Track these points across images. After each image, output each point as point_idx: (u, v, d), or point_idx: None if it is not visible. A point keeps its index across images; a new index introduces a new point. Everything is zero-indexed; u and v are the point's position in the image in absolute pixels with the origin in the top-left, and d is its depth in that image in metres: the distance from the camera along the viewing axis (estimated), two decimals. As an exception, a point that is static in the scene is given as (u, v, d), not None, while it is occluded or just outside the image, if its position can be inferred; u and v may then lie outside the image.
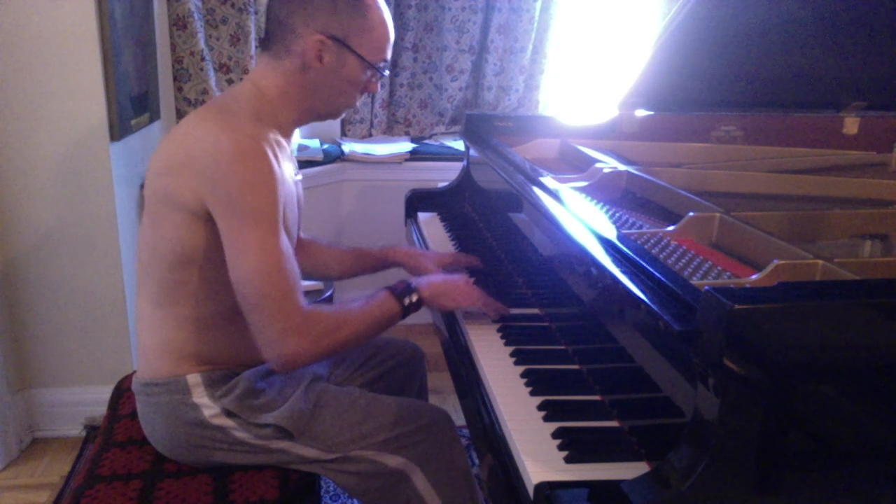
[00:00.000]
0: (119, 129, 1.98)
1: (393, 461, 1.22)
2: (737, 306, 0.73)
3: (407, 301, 1.26)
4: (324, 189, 2.84)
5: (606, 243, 1.08)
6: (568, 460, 0.94)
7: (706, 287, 0.78)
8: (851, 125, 1.84)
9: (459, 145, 2.94)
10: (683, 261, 1.12)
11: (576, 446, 0.96)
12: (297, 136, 2.84)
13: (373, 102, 3.06)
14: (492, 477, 1.04)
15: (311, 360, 1.16)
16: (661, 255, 1.13)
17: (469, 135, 2.02)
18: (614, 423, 1.03)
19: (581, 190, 1.50)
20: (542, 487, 0.88)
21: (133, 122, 2.10)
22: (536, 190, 1.40)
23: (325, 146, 2.89)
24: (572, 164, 1.85)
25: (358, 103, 1.33)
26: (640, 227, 1.31)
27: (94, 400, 2.11)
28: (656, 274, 0.94)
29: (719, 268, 1.08)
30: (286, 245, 1.14)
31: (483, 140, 1.94)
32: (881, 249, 1.30)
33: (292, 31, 1.20)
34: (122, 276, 2.08)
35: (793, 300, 0.77)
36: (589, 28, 3.12)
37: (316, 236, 1.63)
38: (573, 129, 2.00)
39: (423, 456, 1.23)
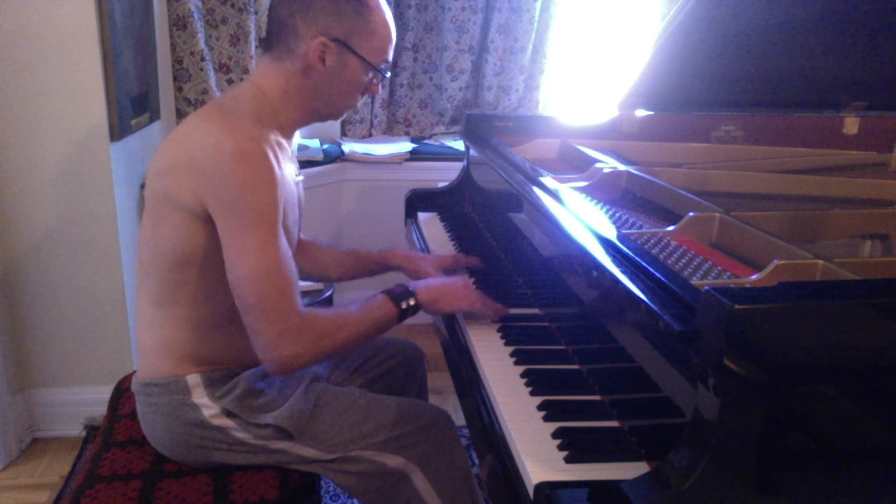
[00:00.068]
0: (119, 129, 1.98)
1: (393, 461, 1.22)
2: (737, 306, 0.73)
3: (404, 305, 1.26)
4: (324, 189, 2.84)
5: (606, 243, 1.08)
6: (568, 460, 0.94)
7: (706, 287, 0.78)
8: (851, 125, 1.84)
9: (459, 145, 2.94)
10: (683, 261, 1.12)
11: (576, 446, 0.96)
12: (298, 136, 2.84)
13: (373, 102, 3.06)
14: (492, 477, 1.04)
15: (307, 363, 1.16)
16: (661, 255, 1.13)
17: (469, 135, 2.02)
18: (614, 423, 1.03)
19: (581, 190, 1.50)
20: (542, 487, 0.88)
21: (133, 122, 2.10)
22: (536, 190, 1.40)
23: (325, 146, 2.89)
24: (572, 164, 1.85)
25: (359, 104, 1.33)
26: (640, 227, 1.31)
27: (94, 400, 2.11)
28: (656, 274, 0.94)
29: (719, 268, 1.08)
30: (285, 247, 1.14)
31: (483, 140, 1.94)
32: (881, 249, 1.30)
33: (294, 33, 1.20)
34: (122, 276, 2.08)
35: (793, 300, 0.77)
36: (589, 28, 3.12)
37: (316, 237, 1.63)
38: (573, 129, 2.00)
39: (423, 456, 1.23)
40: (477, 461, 1.34)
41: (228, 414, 1.23)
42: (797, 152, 1.83)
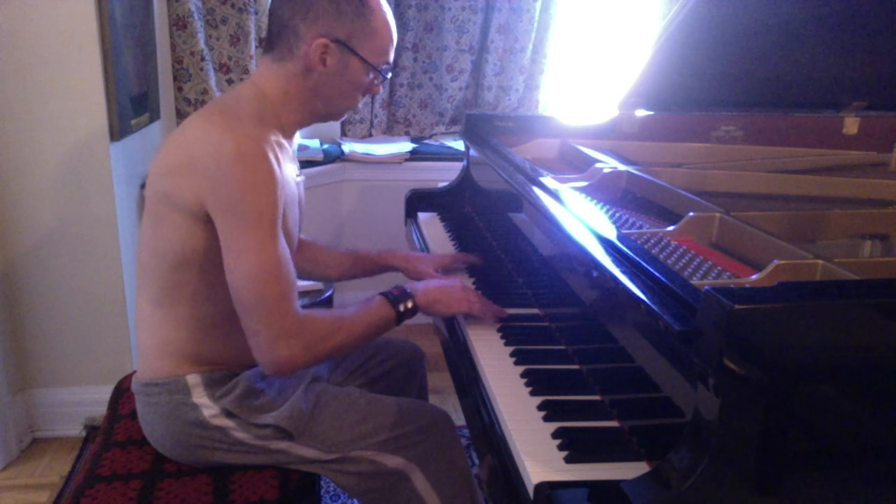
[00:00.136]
0: (119, 129, 1.98)
1: (393, 461, 1.22)
2: (737, 306, 0.73)
3: (402, 307, 1.26)
4: (324, 189, 2.84)
5: (606, 243, 1.08)
6: (568, 460, 0.94)
7: (706, 287, 0.78)
8: (851, 125, 1.84)
9: (459, 145, 2.93)
10: (683, 261, 1.12)
11: (576, 446, 0.96)
12: (298, 136, 2.84)
13: (373, 102, 3.06)
14: (492, 477, 1.04)
15: (304, 366, 1.16)
16: (661, 255, 1.13)
17: (469, 135, 2.02)
18: (614, 423, 1.03)
19: (581, 190, 1.50)
20: (542, 487, 0.88)
21: (133, 122, 2.10)
22: (536, 190, 1.40)
23: (325, 146, 2.89)
24: (572, 164, 1.85)
25: (360, 105, 1.33)
26: (640, 227, 1.31)
27: (94, 400, 2.12)
28: (656, 274, 0.94)
29: (719, 268, 1.08)
30: (284, 249, 1.14)
31: (483, 140, 1.94)
32: (881, 249, 1.30)
33: (295, 34, 1.20)
34: (122, 275, 2.08)
35: (793, 300, 0.77)
36: (589, 28, 3.12)
37: (315, 237, 1.63)
38: (573, 129, 2.00)
39: (422, 456, 1.23)
40: (477, 461, 1.34)
41: (228, 414, 1.23)
42: (797, 152, 1.83)
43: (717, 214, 1.25)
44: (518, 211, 1.58)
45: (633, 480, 0.82)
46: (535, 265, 1.47)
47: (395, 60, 3.07)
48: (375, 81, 1.28)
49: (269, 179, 1.11)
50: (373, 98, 3.03)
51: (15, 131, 1.92)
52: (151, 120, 2.29)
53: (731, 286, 0.86)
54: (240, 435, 1.23)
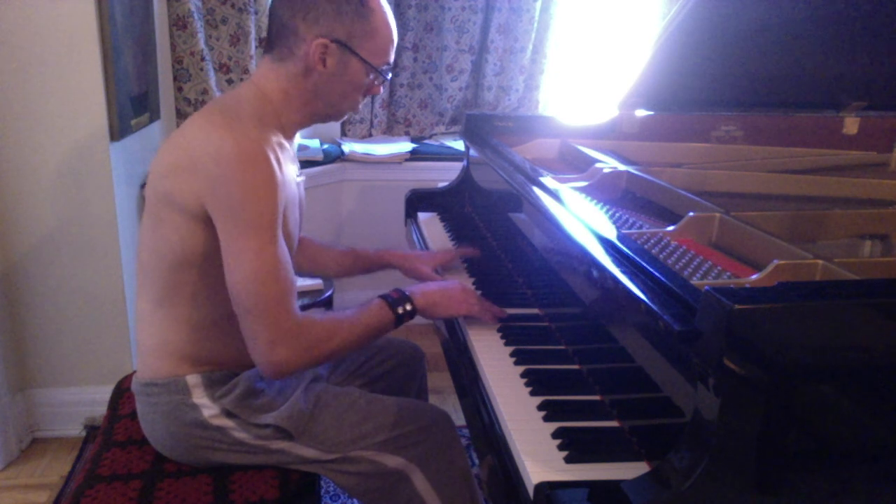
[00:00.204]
0: (119, 129, 1.98)
1: (392, 461, 1.22)
2: (737, 306, 0.73)
3: (401, 310, 1.26)
4: (324, 189, 2.84)
5: (606, 243, 1.08)
6: (568, 460, 0.94)
7: (706, 287, 0.78)
8: (851, 125, 1.84)
9: (459, 145, 2.93)
10: (683, 261, 1.12)
11: (576, 446, 0.96)
12: (298, 136, 2.84)
13: (373, 102, 3.06)
14: (492, 477, 1.04)
15: (302, 369, 1.16)
16: (661, 255, 1.13)
17: (469, 135, 2.02)
18: (614, 423, 1.03)
19: (581, 190, 1.50)
20: (542, 487, 0.88)
21: (133, 122, 2.10)
22: (536, 190, 1.40)
23: (325, 146, 2.89)
24: (572, 164, 1.85)
25: (360, 105, 1.32)
26: (640, 227, 1.31)
27: (94, 400, 2.12)
28: (656, 274, 0.94)
29: (719, 268, 1.08)
30: (283, 252, 1.13)
31: (483, 140, 1.94)
32: (881, 249, 1.30)
33: (295, 34, 1.19)
34: (122, 275, 2.08)
35: (793, 300, 0.77)
36: (589, 28, 3.11)
37: (313, 236, 1.63)
38: (573, 129, 2.00)
39: (422, 456, 1.23)
40: (477, 461, 1.34)
41: (228, 414, 1.23)
42: (797, 152, 1.83)
43: (717, 214, 1.25)
44: (518, 211, 1.58)
45: (633, 480, 0.82)
46: (535, 265, 1.47)
47: (395, 60, 3.07)
48: (376, 82, 1.28)
49: (269, 181, 1.11)
50: (373, 98, 3.03)
51: (15, 131, 1.92)
52: (151, 120, 2.29)
53: (731, 286, 0.86)
54: (240, 435, 1.23)
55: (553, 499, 0.86)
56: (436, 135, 3.21)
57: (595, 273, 1.09)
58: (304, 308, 2.18)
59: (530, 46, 3.08)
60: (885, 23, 1.50)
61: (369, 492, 1.25)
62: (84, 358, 2.14)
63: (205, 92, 2.49)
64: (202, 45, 2.45)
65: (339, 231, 2.99)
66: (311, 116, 1.28)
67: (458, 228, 1.97)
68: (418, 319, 1.31)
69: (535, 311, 1.41)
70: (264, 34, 2.61)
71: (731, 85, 1.70)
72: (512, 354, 1.24)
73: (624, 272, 0.98)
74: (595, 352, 1.17)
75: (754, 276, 1.01)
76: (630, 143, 1.87)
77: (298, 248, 1.45)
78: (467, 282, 1.57)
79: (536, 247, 1.45)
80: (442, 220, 2.07)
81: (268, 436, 1.23)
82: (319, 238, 1.65)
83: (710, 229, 1.25)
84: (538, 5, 3.01)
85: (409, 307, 1.27)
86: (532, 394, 1.12)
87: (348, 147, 2.90)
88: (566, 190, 1.37)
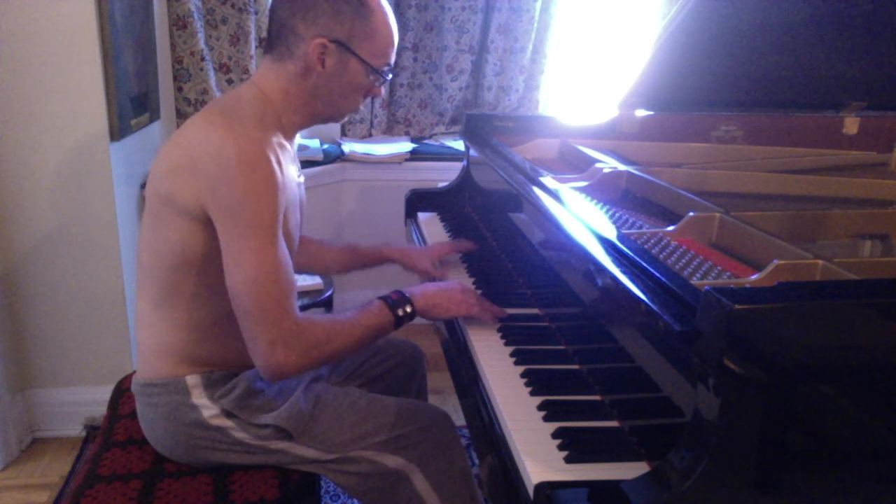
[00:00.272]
0: (119, 129, 1.98)
1: (392, 461, 1.22)
2: (737, 306, 0.73)
3: (401, 312, 1.26)
4: (324, 189, 2.84)
5: (606, 243, 1.08)
6: (568, 460, 0.94)
7: (706, 287, 0.78)
8: (851, 125, 1.84)
9: (459, 145, 2.93)
10: (683, 261, 1.12)
11: (576, 446, 0.96)
12: (298, 136, 2.84)
13: (373, 102, 3.06)
14: (492, 477, 1.04)
15: (303, 370, 1.16)
16: (661, 255, 1.13)
17: (469, 135, 2.02)
18: (614, 423, 1.03)
19: (581, 190, 1.50)
20: (542, 487, 0.88)
21: (133, 122, 2.10)
22: (536, 190, 1.40)
23: (325, 146, 2.89)
24: (572, 164, 1.85)
25: (361, 106, 1.32)
26: (640, 227, 1.31)
27: (94, 400, 2.12)
28: (656, 274, 0.94)
29: (719, 268, 1.08)
30: (283, 253, 1.13)
31: (483, 140, 1.94)
32: (881, 249, 1.30)
33: (294, 34, 1.19)
34: (122, 275, 2.08)
35: (793, 300, 0.77)
36: (589, 28, 3.11)
37: (312, 234, 1.63)
38: (573, 129, 2.00)
39: (422, 456, 1.23)
40: (477, 461, 1.34)
41: (228, 414, 1.23)
42: (797, 152, 1.83)
43: (717, 214, 1.25)
44: (518, 211, 1.58)
45: (633, 480, 0.82)
46: (535, 265, 1.47)
47: (395, 60, 3.07)
48: (376, 83, 1.27)
49: (269, 182, 1.11)
50: (372, 98, 3.02)
51: (15, 131, 1.92)
52: (151, 120, 2.29)
53: (731, 286, 0.86)
54: (239, 435, 1.23)
55: (553, 499, 0.86)
56: (436, 135, 3.21)
57: (595, 273, 1.09)
58: (303, 308, 2.18)
59: (530, 46, 3.08)
60: (885, 23, 1.50)
61: (369, 492, 1.25)
62: (84, 358, 2.14)
63: (205, 92, 2.49)
64: (202, 45, 2.45)
65: (339, 231, 2.99)
66: (311, 117, 1.28)
67: (458, 228, 1.97)
68: (418, 319, 1.31)
69: (535, 311, 1.41)
70: (264, 34, 2.61)
71: (731, 85, 1.70)
72: (512, 354, 1.24)
73: (624, 272, 0.98)
74: (595, 352, 1.16)
75: (754, 276, 1.01)
76: (630, 143, 1.87)
77: (297, 246, 1.45)
78: (467, 282, 1.57)
79: (536, 247, 1.45)
80: (442, 220, 2.07)
81: (267, 436, 1.23)
82: (316, 235, 1.65)
83: (710, 229, 1.25)
84: (538, 5, 3.01)
85: (409, 309, 1.27)
86: (532, 394, 1.12)
87: (348, 147, 2.90)
88: (566, 190, 1.37)
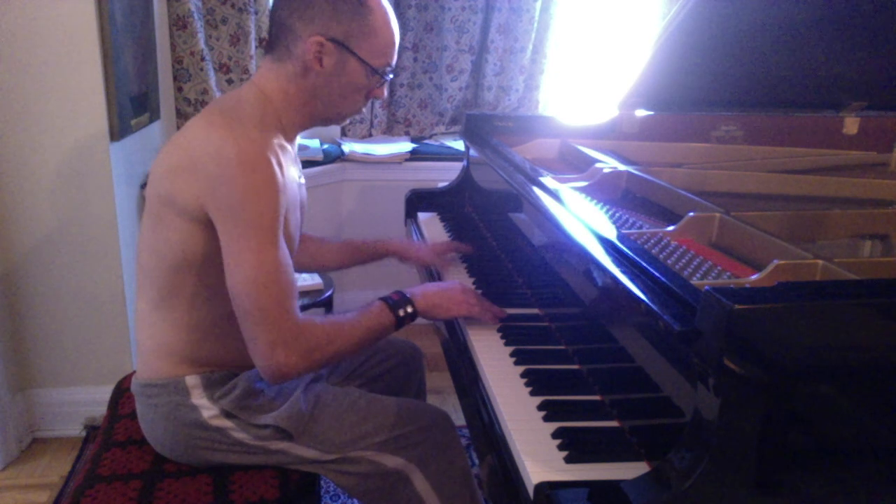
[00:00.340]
0: (119, 129, 1.98)
1: (392, 462, 1.22)
2: (737, 306, 0.73)
3: (402, 312, 1.26)
4: (324, 189, 2.84)
5: (606, 243, 1.08)
6: (568, 460, 0.94)
7: (706, 287, 0.78)
8: (851, 125, 1.84)
9: (459, 145, 2.93)
10: (683, 261, 1.12)
11: (576, 446, 0.96)
12: (298, 137, 2.84)
13: (372, 102, 3.05)
14: (492, 477, 1.04)
15: (303, 372, 1.16)
16: (661, 255, 1.13)
17: (469, 135, 2.02)
18: (614, 423, 1.03)
19: (581, 190, 1.50)
20: (542, 487, 0.88)
21: (133, 122, 2.10)
22: (536, 190, 1.40)
23: (325, 146, 2.89)
24: (572, 164, 1.85)
25: (363, 109, 1.31)
26: (640, 227, 1.31)
27: (94, 400, 2.12)
28: (656, 274, 0.94)
29: (719, 268, 1.08)
30: (284, 255, 1.13)
31: (483, 140, 1.94)
32: (881, 249, 1.30)
33: (293, 33, 1.19)
34: (121, 275, 2.08)
35: (793, 300, 0.77)
36: (589, 28, 3.11)
37: (311, 232, 1.63)
38: (573, 129, 2.00)
39: (422, 456, 1.23)
40: (477, 461, 1.34)
41: (227, 415, 1.23)
42: (797, 152, 1.83)
43: (717, 214, 1.25)
44: (518, 211, 1.58)
45: (633, 480, 0.82)
46: (535, 265, 1.47)
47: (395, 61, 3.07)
48: (376, 84, 1.26)
49: (269, 183, 1.11)
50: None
51: (15, 131, 1.92)
52: (151, 120, 2.29)
53: (731, 286, 0.86)
54: (239, 435, 1.23)
55: (553, 499, 0.86)
56: (436, 135, 3.21)
57: (595, 273, 1.09)
58: (304, 308, 2.18)
59: (530, 46, 3.08)
60: (885, 23, 1.50)
61: (369, 492, 1.25)
62: (84, 358, 2.14)
63: (205, 92, 2.49)
64: (202, 45, 2.45)
65: (339, 231, 2.99)
66: (312, 117, 1.27)
67: (458, 228, 1.97)
68: (418, 319, 1.31)
69: (535, 311, 1.41)
70: (264, 34, 2.61)
71: (731, 85, 1.70)
72: (512, 354, 1.24)
73: (624, 272, 0.98)
74: (595, 352, 1.16)
75: (754, 276, 1.01)
76: (630, 143, 1.87)
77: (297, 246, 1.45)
78: (467, 282, 1.57)
79: (536, 247, 1.45)
80: (442, 220, 2.07)
81: (267, 436, 1.23)
82: (315, 233, 1.65)
83: (710, 229, 1.25)
84: (538, 5, 3.01)
85: (409, 309, 1.27)
86: (532, 394, 1.12)
87: (348, 147, 2.90)
88: (566, 190, 1.37)
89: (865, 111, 1.81)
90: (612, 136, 1.91)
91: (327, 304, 2.32)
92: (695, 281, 1.01)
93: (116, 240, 2.05)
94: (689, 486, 0.76)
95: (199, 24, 2.44)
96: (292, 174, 1.25)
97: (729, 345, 0.74)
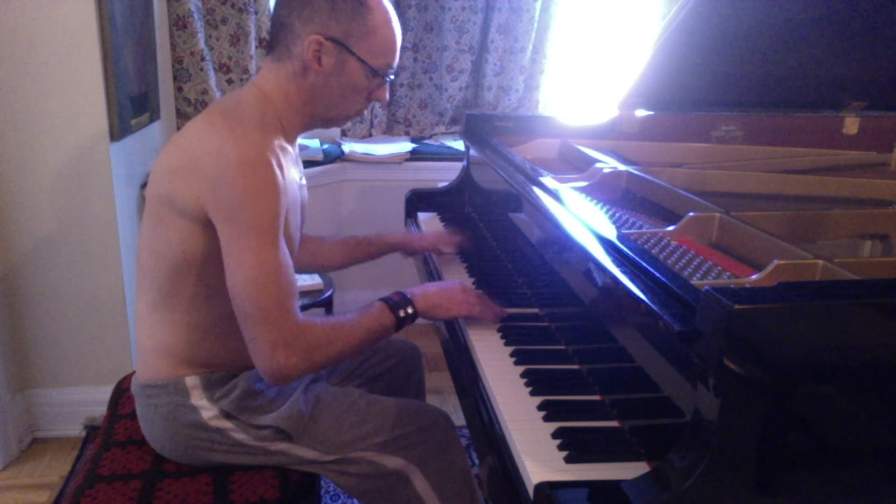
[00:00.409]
0: (119, 129, 1.98)
1: (392, 462, 1.22)
2: (737, 306, 0.73)
3: (402, 313, 1.26)
4: (324, 189, 2.84)
5: (606, 243, 1.08)
6: (568, 460, 0.94)
7: (706, 287, 0.78)
8: (851, 125, 1.84)
9: (459, 145, 2.94)
10: (683, 261, 1.12)
11: (576, 446, 0.96)
12: (298, 137, 2.84)
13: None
14: (492, 477, 1.04)
15: (303, 374, 1.15)
16: (661, 255, 1.13)
17: (469, 135, 2.02)
18: (614, 423, 1.03)
19: (581, 190, 1.50)
20: (542, 487, 0.88)
21: (133, 122, 2.10)
22: (536, 190, 1.40)
23: (325, 146, 2.89)
24: (572, 164, 1.85)
25: (364, 111, 1.31)
26: (640, 227, 1.31)
27: (94, 400, 2.12)
28: (656, 274, 0.94)
29: (719, 268, 1.08)
30: (284, 256, 1.13)
31: (483, 140, 1.94)
32: (881, 249, 1.30)
33: (292, 32, 1.19)
34: (121, 275, 2.08)
35: (793, 300, 0.77)
36: (589, 28, 3.12)
37: (310, 231, 1.63)
38: (573, 129, 2.00)
39: (422, 457, 1.23)
40: (477, 461, 1.34)
41: (227, 416, 1.22)
42: (797, 152, 1.83)
43: (717, 214, 1.25)
44: (518, 211, 1.58)
45: (633, 480, 0.82)
46: (535, 265, 1.47)
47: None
48: (377, 85, 1.26)
49: (269, 184, 1.10)
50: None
51: (15, 131, 1.92)
52: (151, 120, 2.29)
53: (731, 286, 0.86)
54: (239, 436, 1.23)
55: (553, 499, 0.86)
56: (436, 135, 3.21)
57: (595, 273, 1.09)
58: (304, 308, 2.18)
59: (530, 46, 3.08)
60: (885, 23, 1.50)
61: (369, 492, 1.25)
62: (84, 358, 2.14)
63: (205, 92, 2.49)
64: (202, 45, 2.45)
65: (339, 231, 2.99)
66: (312, 118, 1.27)
67: (458, 228, 1.96)
68: (418, 319, 1.31)
69: (535, 310, 1.41)
70: (264, 34, 2.61)
71: (731, 85, 1.70)
72: (512, 354, 1.24)
73: (624, 272, 0.98)
74: (595, 352, 1.16)
75: (754, 276, 1.01)
76: (630, 143, 1.87)
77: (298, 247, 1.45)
78: (467, 282, 1.57)
79: (536, 247, 1.45)
80: (442, 220, 2.07)
81: (267, 437, 1.23)
82: (311, 233, 1.65)
83: (710, 229, 1.25)
84: (538, 5, 3.01)
85: (410, 310, 1.27)
86: (532, 394, 1.12)
87: (348, 147, 2.90)
88: (566, 190, 1.37)
89: (865, 111, 1.81)
90: (612, 136, 1.91)
91: (327, 304, 2.31)
92: (695, 281, 1.00)
93: (116, 240, 2.05)
94: (689, 486, 0.76)
95: (199, 24, 2.44)
96: (293, 175, 1.25)
97: (729, 345, 0.74)
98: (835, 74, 1.69)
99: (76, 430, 2.19)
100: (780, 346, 0.76)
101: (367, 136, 3.12)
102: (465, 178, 2.14)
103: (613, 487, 0.82)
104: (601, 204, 1.43)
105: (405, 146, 2.96)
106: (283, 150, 1.21)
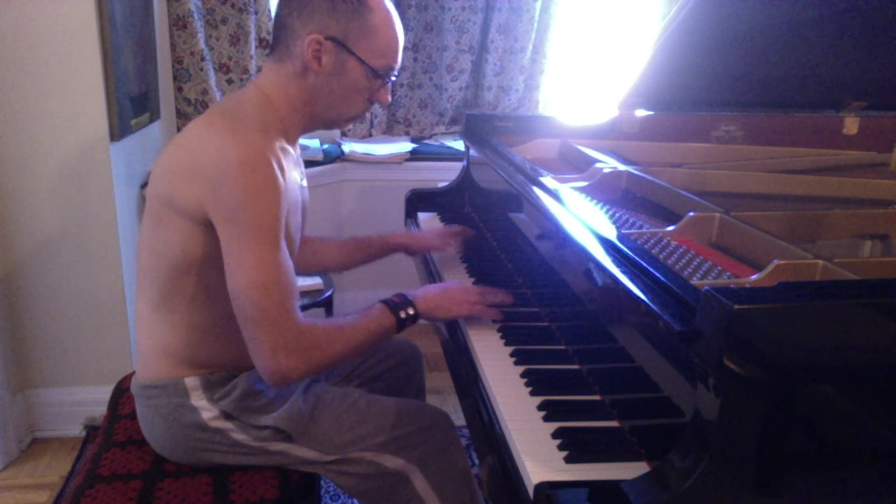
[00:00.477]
0: (119, 129, 1.98)
1: (392, 462, 1.22)
2: (737, 306, 0.73)
3: (403, 314, 1.26)
4: (324, 189, 2.84)
5: (606, 243, 1.08)
6: (568, 460, 0.94)
7: (706, 287, 0.78)
8: (851, 125, 1.84)
9: (459, 145, 2.94)
10: (683, 261, 1.12)
11: (576, 446, 0.96)
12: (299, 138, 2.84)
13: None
14: (492, 477, 1.04)
15: (304, 376, 1.15)
16: (661, 255, 1.13)
17: (469, 135, 2.02)
18: (614, 423, 1.03)
19: (581, 190, 1.50)
20: (542, 487, 0.88)
21: (133, 122, 2.10)
22: (536, 190, 1.40)
23: (325, 146, 2.89)
24: (572, 164, 1.85)
25: (365, 112, 1.30)
26: (640, 227, 1.31)
27: (94, 400, 2.12)
28: (656, 274, 0.94)
29: (719, 268, 1.08)
30: (285, 258, 1.13)
31: (483, 140, 1.94)
32: (881, 249, 1.30)
33: (292, 32, 1.19)
34: (121, 275, 2.08)
35: (793, 300, 0.77)
36: (589, 28, 3.12)
37: (311, 232, 1.63)
38: (573, 129, 2.00)
39: (422, 457, 1.23)
40: (477, 461, 1.34)
41: (227, 416, 1.22)
42: (797, 152, 1.83)
43: (717, 214, 1.25)
44: (518, 211, 1.58)
45: (633, 480, 0.82)
46: (535, 265, 1.47)
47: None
48: (377, 86, 1.25)
49: (270, 185, 1.10)
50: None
51: (15, 131, 1.92)
52: (151, 120, 2.29)
53: (731, 286, 0.86)
54: (239, 437, 1.23)
55: (553, 499, 0.86)
56: (436, 135, 3.21)
57: (595, 273, 1.09)
58: (304, 308, 2.18)
59: (530, 46, 3.08)
60: (885, 23, 1.50)
61: (369, 492, 1.25)
62: (84, 358, 2.14)
63: (205, 92, 2.49)
64: (202, 45, 2.45)
65: (339, 231, 2.99)
66: (313, 119, 1.26)
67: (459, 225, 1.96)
68: (419, 320, 1.31)
69: (535, 310, 1.41)
70: (264, 34, 2.61)
71: (731, 85, 1.70)
72: (512, 354, 1.24)
73: (624, 272, 0.98)
74: (595, 352, 1.16)
75: (754, 276, 1.01)
76: (630, 143, 1.87)
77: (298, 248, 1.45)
78: (467, 282, 1.57)
79: (536, 247, 1.45)
80: (442, 220, 2.07)
81: (267, 437, 1.23)
82: (313, 234, 1.65)
83: (710, 229, 1.25)
84: (538, 5, 3.01)
85: (411, 311, 1.27)
86: (532, 394, 1.12)
87: (348, 147, 2.90)
88: (566, 190, 1.37)
89: (865, 111, 1.81)
90: (612, 136, 1.91)
91: (327, 305, 2.31)
92: (695, 281, 1.01)
93: (116, 240, 2.05)
94: (689, 486, 0.76)
95: (199, 24, 2.44)
96: (294, 176, 1.25)
97: (729, 345, 0.74)
98: (835, 74, 1.69)
99: (76, 431, 2.19)
100: (780, 346, 0.76)
101: (367, 136, 3.12)
102: (465, 178, 2.14)
103: (613, 487, 0.82)
104: (601, 204, 1.43)
105: (405, 146, 2.97)
106: (284, 150, 1.21)
